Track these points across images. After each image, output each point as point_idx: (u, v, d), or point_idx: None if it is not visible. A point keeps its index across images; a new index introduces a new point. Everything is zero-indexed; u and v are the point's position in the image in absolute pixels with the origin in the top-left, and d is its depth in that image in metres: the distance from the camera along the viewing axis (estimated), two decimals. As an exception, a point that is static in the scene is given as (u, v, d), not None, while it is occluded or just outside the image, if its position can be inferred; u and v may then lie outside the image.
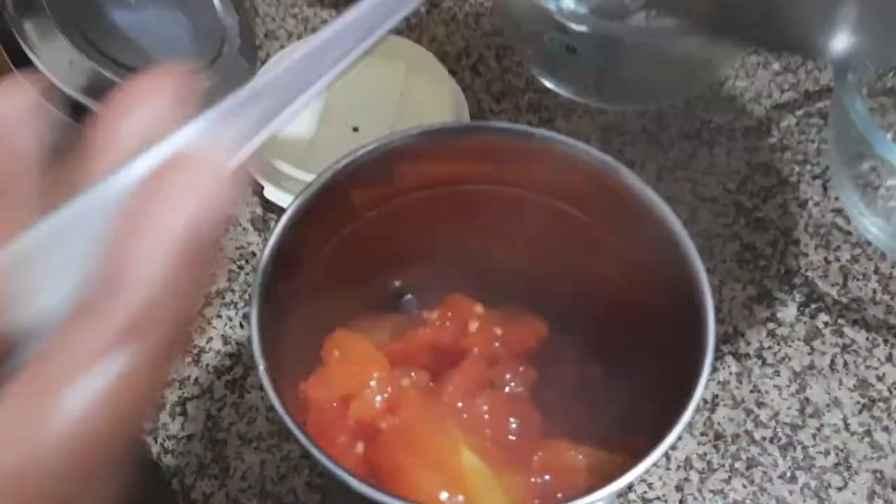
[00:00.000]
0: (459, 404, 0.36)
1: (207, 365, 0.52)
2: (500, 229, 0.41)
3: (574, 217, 0.38)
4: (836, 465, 0.48)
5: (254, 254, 0.57)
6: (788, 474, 0.48)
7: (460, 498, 0.30)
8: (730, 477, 0.48)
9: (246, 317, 0.54)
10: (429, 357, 0.38)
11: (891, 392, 0.51)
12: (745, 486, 0.48)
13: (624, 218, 0.36)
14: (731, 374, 0.52)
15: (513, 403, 0.37)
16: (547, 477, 0.35)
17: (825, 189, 0.61)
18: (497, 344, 0.39)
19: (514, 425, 0.36)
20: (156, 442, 0.50)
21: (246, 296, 0.55)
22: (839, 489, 0.48)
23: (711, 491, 0.48)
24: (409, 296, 0.42)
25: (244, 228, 0.58)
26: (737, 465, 0.49)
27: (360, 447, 0.34)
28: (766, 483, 0.48)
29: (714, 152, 0.62)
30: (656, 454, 0.30)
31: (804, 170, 0.61)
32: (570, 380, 0.40)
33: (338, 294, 0.38)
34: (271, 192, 0.58)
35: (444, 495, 0.30)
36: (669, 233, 0.34)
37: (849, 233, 0.58)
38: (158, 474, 0.49)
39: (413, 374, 0.37)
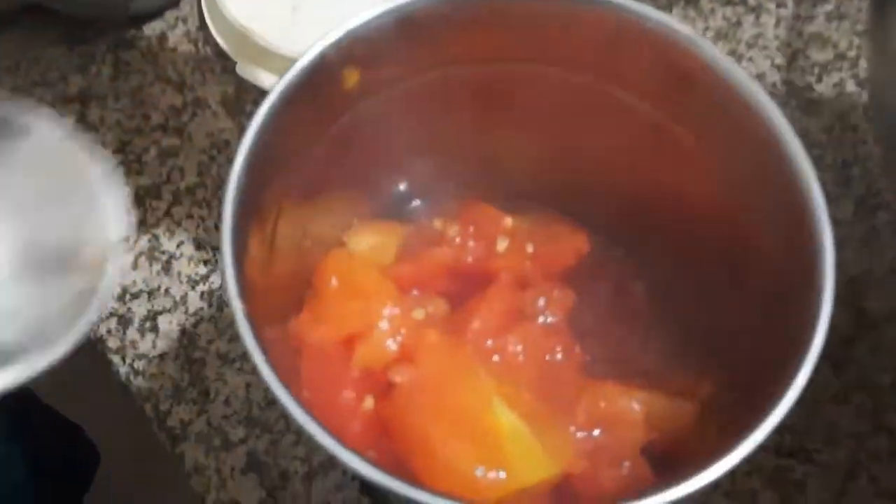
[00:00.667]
0: (489, 342, 0.29)
1: (179, 273, 0.45)
2: (530, 119, 0.33)
3: (629, 105, 0.30)
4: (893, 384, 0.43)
5: (227, 142, 0.49)
6: (842, 395, 0.43)
7: (501, 474, 0.24)
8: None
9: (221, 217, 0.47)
10: (446, 281, 0.31)
11: (956, 300, 0.45)
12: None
13: (698, 107, 0.28)
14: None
15: (549, 337, 0.30)
16: (596, 432, 0.28)
17: (887, 65, 0.53)
18: (529, 264, 0.31)
19: (552, 366, 0.29)
20: (124, 362, 0.43)
21: (220, 193, 0.47)
22: (897, 410, 0.43)
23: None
24: (418, 201, 0.35)
25: (214, 112, 0.50)
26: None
27: (368, 402, 0.27)
28: (815, 405, 0.43)
29: (761, 21, 0.53)
30: (762, 433, 0.23)
31: (864, 42, 0.53)
32: (613, 304, 0.33)
33: (331, 202, 0.31)
34: (245, 69, 0.49)
35: (479, 471, 0.24)
36: (763, 127, 0.26)
37: (913, 117, 0.50)
38: (128, 399, 0.43)
39: (429, 306, 0.30)
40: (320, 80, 0.26)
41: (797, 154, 0.26)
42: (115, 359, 0.43)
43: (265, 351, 0.22)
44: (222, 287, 0.23)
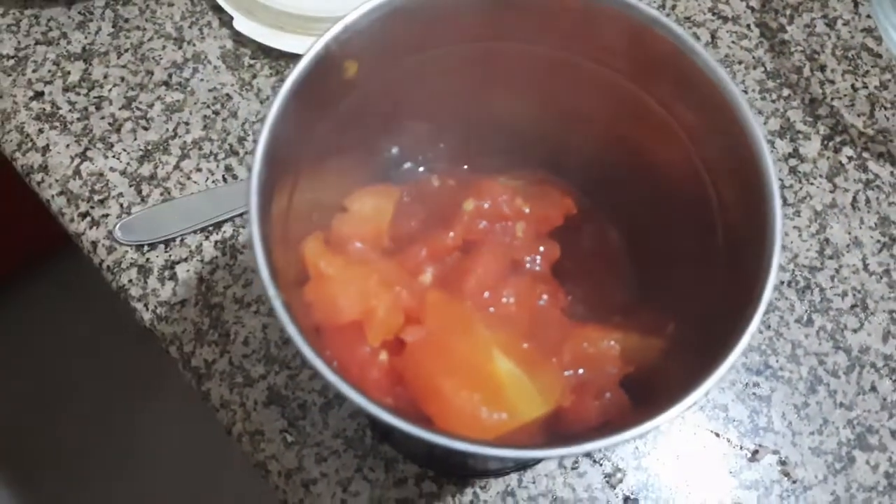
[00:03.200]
0: (485, 295, 0.32)
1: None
2: (516, 90, 0.36)
3: (604, 77, 0.33)
4: (853, 306, 0.48)
5: (229, 96, 0.51)
6: (805, 318, 0.47)
7: (503, 415, 0.28)
8: (746, 323, 0.47)
9: (229, 169, 0.49)
10: (443, 240, 0.34)
11: (911, 229, 0.49)
12: (761, 332, 0.47)
13: (665, 80, 0.31)
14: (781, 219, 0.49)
15: (537, 285, 0.34)
16: (581, 371, 0.32)
17: (856, 4, 0.55)
18: (522, 223, 0.34)
19: (540, 311, 0.33)
20: (147, 309, 0.46)
21: (226, 145, 0.50)
22: (855, 331, 0.47)
23: (727, 338, 0.47)
24: (409, 164, 0.37)
25: (215, 67, 0.52)
26: (753, 310, 0.47)
27: (383, 356, 0.30)
28: (782, 327, 0.47)
29: (737, -37, 0.55)
30: (716, 376, 0.27)
31: (835, -18, 0.55)
32: (592, 251, 0.37)
33: (334, 172, 0.33)
34: (242, 24, 0.51)
35: (484, 412, 0.28)
36: (721, 98, 0.29)
37: (878, 55, 0.53)
38: (154, 342, 0.47)
39: (430, 269, 0.33)
40: (323, 71, 0.29)
41: (749, 120, 0.29)
42: (139, 306, 0.46)
43: (288, 306, 0.25)
44: (251, 251, 0.26)
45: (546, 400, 0.29)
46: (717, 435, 0.45)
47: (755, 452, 0.45)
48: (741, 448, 0.45)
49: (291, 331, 0.25)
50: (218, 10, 0.52)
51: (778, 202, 0.28)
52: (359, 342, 0.30)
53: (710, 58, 0.29)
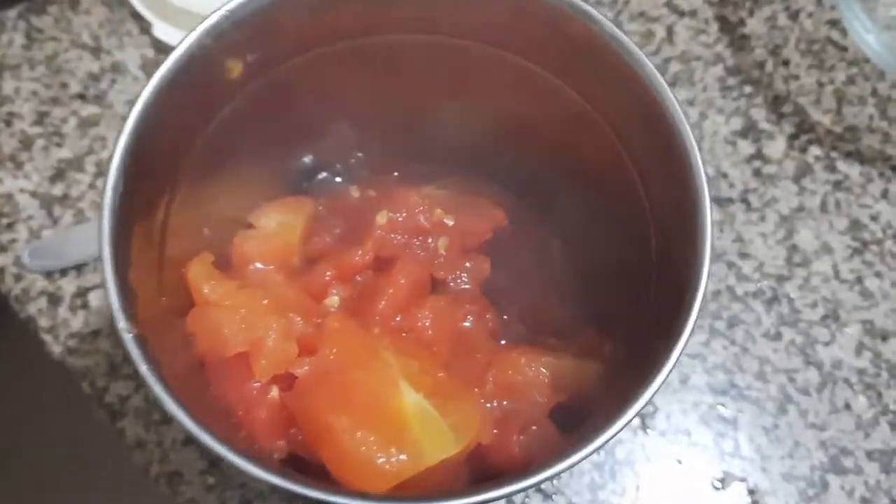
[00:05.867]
0: (397, 319, 0.28)
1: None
2: (433, 87, 0.32)
3: (531, 73, 0.29)
4: (824, 317, 0.44)
5: (150, 108, 0.47)
6: (773, 331, 0.44)
7: (402, 457, 0.24)
8: (709, 339, 0.44)
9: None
10: (351, 258, 0.30)
11: (884, 233, 0.46)
12: (725, 348, 0.44)
13: (591, 75, 0.28)
14: (712, 222, 0.46)
15: (461, 305, 0.30)
16: (506, 402, 0.28)
17: (820, -4, 0.52)
18: (444, 238, 0.31)
19: (463, 334, 0.29)
20: (57, 341, 0.43)
21: (145, 161, 0.46)
22: (826, 344, 0.44)
23: (689, 355, 0.43)
24: (325, 173, 0.34)
25: (134, 77, 0.48)
26: (717, 324, 0.44)
27: (274, 392, 0.27)
28: (748, 343, 0.44)
29: (693, -45, 0.52)
30: (639, 403, 0.23)
31: (797, -27, 0.52)
32: (531, 263, 0.33)
33: (230, 186, 0.30)
34: (162, 30, 0.48)
35: (380, 456, 0.24)
36: (650, 95, 0.26)
37: (844, 49, 0.50)
38: (65, 377, 0.43)
39: (337, 291, 0.29)
40: (199, 71, 0.25)
41: (678, 118, 0.25)
42: (48, 338, 0.43)
43: (156, 364, 0.22)
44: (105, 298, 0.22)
45: (459, 438, 0.26)
46: (680, 462, 0.41)
47: (722, 480, 0.41)
48: (706, 476, 0.41)
49: (142, 370, 0.21)
50: (137, 17, 0.49)
51: (707, 207, 0.25)
52: (246, 377, 0.26)
53: (637, 51, 0.26)
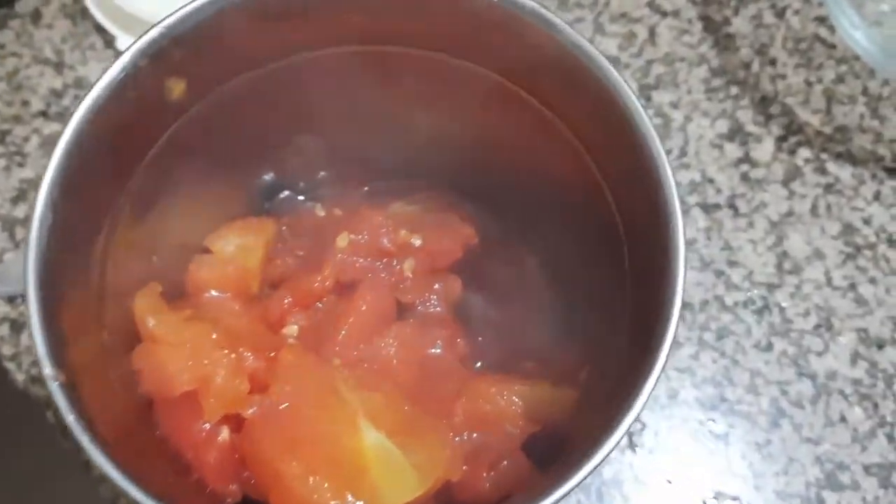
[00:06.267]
0: (360, 348, 0.27)
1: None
2: (397, 100, 0.31)
3: (494, 83, 0.28)
4: (817, 326, 0.42)
5: (115, 124, 0.46)
6: (764, 342, 0.42)
7: (361, 503, 0.22)
8: (698, 351, 0.42)
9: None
10: (309, 285, 0.28)
11: (878, 237, 0.44)
12: (714, 361, 0.42)
13: (552, 83, 0.26)
14: (698, 229, 0.44)
15: (429, 330, 0.28)
16: (475, 435, 0.26)
17: (807, -8, 0.50)
18: (411, 260, 0.29)
19: (431, 362, 0.27)
20: (20, 369, 0.41)
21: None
22: (819, 354, 0.42)
23: (677, 369, 0.42)
24: (287, 192, 0.32)
25: (98, 92, 0.46)
26: (706, 336, 0.42)
27: (224, 434, 0.25)
28: (738, 354, 0.42)
29: (675, -48, 0.50)
30: (613, 440, 0.22)
31: (783, -32, 0.50)
32: (507, 282, 0.32)
33: (182, 210, 0.28)
34: (126, 43, 0.46)
35: None
36: (615, 103, 0.24)
37: (833, 46, 0.48)
38: (29, 407, 0.41)
39: (297, 319, 0.28)
40: (136, 92, 0.24)
41: (645, 128, 0.24)
42: (11, 366, 0.41)
43: (86, 413, 0.20)
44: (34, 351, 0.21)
45: (424, 478, 0.24)
46: (670, 482, 0.40)
47: (714, 499, 0.40)
48: (698, 495, 0.40)
49: (69, 420, 0.20)
50: (101, 30, 0.47)
51: (679, 223, 0.23)
52: (196, 417, 0.25)
53: (599, 56, 0.24)
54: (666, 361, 0.24)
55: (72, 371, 0.21)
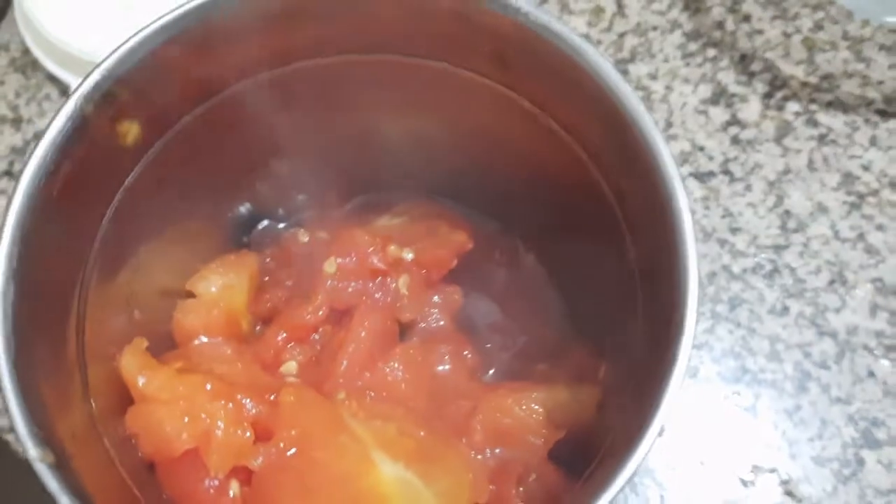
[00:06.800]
0: (366, 376, 0.25)
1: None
2: (379, 111, 0.29)
3: (478, 85, 0.26)
4: (831, 282, 0.41)
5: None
6: (779, 306, 0.41)
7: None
8: (713, 325, 0.41)
9: None
10: (301, 317, 0.27)
11: (879, 182, 0.43)
12: (731, 332, 0.40)
13: (540, 80, 0.25)
14: (695, 200, 0.43)
15: (434, 346, 0.27)
16: (498, 450, 0.25)
17: (771, -59, 0.49)
18: (405, 276, 0.27)
19: (441, 380, 0.26)
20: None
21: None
22: (837, 311, 0.41)
23: (694, 346, 0.40)
24: (267, 221, 0.31)
25: (61, 143, 0.45)
26: (718, 308, 0.41)
27: (234, 488, 0.24)
28: (754, 322, 0.41)
29: (632, -80, 0.49)
30: (655, 426, 0.21)
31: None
32: (508, 282, 0.30)
33: (159, 259, 0.27)
34: (82, 89, 0.45)
35: None
36: (608, 98, 0.22)
37: (807, -7, 0.47)
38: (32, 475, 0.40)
39: (294, 355, 0.26)
40: (87, 142, 0.22)
41: (646, 123, 0.22)
42: (10, 437, 0.39)
43: (81, 490, 0.19)
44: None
45: (448, 502, 0.22)
46: (703, 463, 0.38)
47: (750, 475, 0.38)
48: (733, 473, 0.38)
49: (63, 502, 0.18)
50: (53, 79, 0.46)
51: (688, 218, 0.22)
52: (201, 476, 0.23)
53: (589, 47, 0.23)
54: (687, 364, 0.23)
55: (61, 447, 0.19)
